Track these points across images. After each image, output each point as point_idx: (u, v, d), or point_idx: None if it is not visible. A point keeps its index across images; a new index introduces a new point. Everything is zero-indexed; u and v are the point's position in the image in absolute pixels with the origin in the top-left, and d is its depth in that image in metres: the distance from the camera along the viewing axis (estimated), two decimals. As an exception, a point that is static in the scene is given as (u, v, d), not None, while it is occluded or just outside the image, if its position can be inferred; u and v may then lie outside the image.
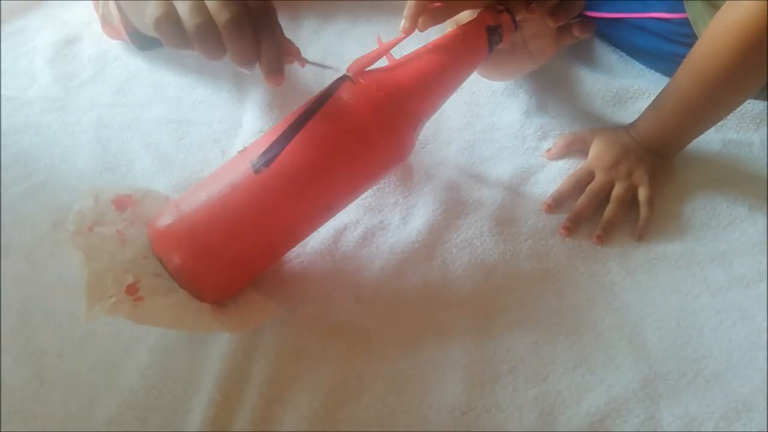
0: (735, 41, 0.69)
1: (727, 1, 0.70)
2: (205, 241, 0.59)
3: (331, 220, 0.72)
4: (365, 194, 0.75)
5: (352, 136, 0.60)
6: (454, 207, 0.76)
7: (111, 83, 0.87)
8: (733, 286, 0.71)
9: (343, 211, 0.73)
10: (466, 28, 0.64)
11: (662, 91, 0.78)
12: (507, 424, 0.60)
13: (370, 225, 0.73)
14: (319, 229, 0.72)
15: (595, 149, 0.80)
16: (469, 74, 0.67)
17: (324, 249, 0.71)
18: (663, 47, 0.88)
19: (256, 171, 0.58)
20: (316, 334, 0.65)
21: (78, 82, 0.86)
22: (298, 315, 0.66)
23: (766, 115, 0.87)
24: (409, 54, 0.64)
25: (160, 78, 0.88)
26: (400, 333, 0.66)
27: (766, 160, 0.82)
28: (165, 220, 0.60)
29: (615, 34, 0.96)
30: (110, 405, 0.59)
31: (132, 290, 0.58)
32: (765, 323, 0.68)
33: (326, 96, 0.60)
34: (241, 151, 0.62)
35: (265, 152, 0.59)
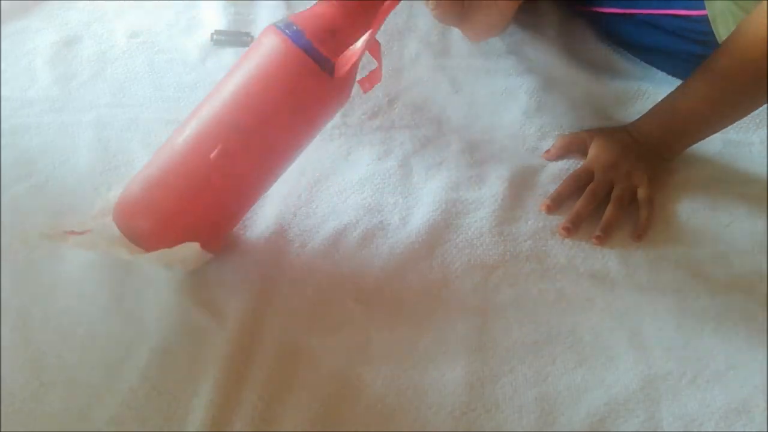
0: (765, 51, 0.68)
1: (758, 6, 0.69)
2: (158, 206, 0.64)
3: (331, 221, 0.73)
4: (364, 194, 0.76)
5: (277, 78, 0.63)
6: (454, 207, 0.76)
7: (111, 83, 0.87)
8: (733, 286, 0.71)
9: (343, 211, 0.74)
10: None
11: (674, 93, 0.77)
12: (507, 424, 0.60)
13: (370, 225, 0.73)
14: (319, 230, 0.72)
15: (594, 150, 0.80)
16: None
17: (324, 249, 0.71)
18: (676, 46, 0.87)
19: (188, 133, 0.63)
20: (316, 334, 0.65)
21: (78, 83, 0.86)
22: (298, 315, 0.66)
23: (766, 116, 0.87)
24: None
25: (159, 78, 0.88)
26: (400, 333, 0.66)
27: (766, 160, 0.82)
28: (125, 198, 0.65)
29: (624, 31, 0.95)
30: (110, 405, 0.59)
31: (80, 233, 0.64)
32: (765, 323, 0.68)
33: (253, 47, 0.64)
34: None
35: (194, 113, 0.65)
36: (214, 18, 0.95)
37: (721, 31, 0.79)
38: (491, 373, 0.63)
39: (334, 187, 0.77)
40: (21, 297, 0.65)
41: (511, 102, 0.89)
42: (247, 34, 0.93)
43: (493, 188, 0.78)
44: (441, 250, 0.72)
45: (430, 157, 0.81)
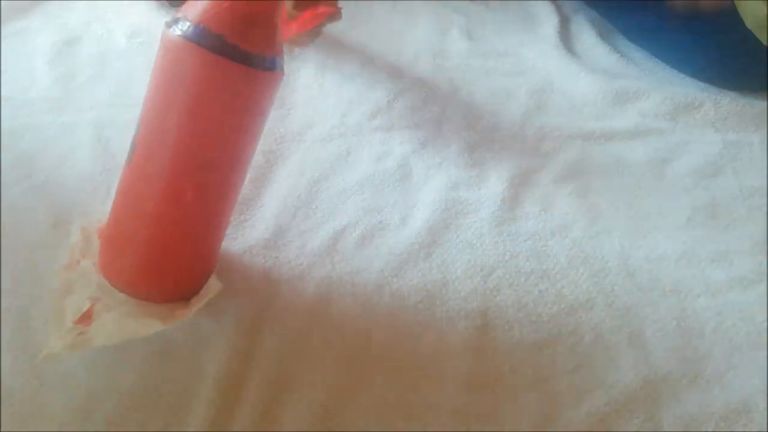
0: None
1: None
2: (122, 248, 0.61)
3: (330, 221, 0.73)
4: (364, 195, 0.76)
5: (177, 81, 0.55)
6: (454, 207, 0.76)
7: (111, 83, 0.87)
8: (733, 286, 0.71)
9: (342, 212, 0.73)
10: None
11: None
12: (507, 424, 0.60)
13: (370, 226, 0.73)
14: (318, 230, 0.72)
15: None
16: None
17: (323, 250, 0.71)
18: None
19: (128, 162, 0.58)
20: (315, 335, 0.65)
21: (78, 83, 0.86)
22: (298, 316, 0.66)
23: (765, 115, 0.87)
24: None
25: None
26: (400, 334, 0.66)
27: (766, 160, 0.82)
28: (101, 240, 0.62)
29: (626, 18, 0.96)
30: (110, 406, 0.59)
31: (86, 316, 0.58)
32: (765, 324, 0.67)
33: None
34: None
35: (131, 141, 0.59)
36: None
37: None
38: (491, 373, 0.63)
39: (334, 188, 0.77)
40: (21, 297, 0.65)
41: (511, 102, 0.89)
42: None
43: (492, 188, 0.78)
44: (441, 250, 0.72)
45: (430, 158, 0.81)
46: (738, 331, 0.67)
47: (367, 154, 0.81)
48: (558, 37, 0.97)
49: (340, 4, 0.84)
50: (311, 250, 0.71)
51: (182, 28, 0.53)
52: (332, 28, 0.93)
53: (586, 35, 1.00)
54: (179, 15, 0.54)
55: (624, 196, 0.79)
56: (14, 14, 0.94)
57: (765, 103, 0.87)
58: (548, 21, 1.00)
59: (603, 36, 1.00)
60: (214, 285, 0.63)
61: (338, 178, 0.78)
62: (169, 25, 0.54)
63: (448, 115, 0.86)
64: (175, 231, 0.60)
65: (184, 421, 0.58)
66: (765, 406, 0.62)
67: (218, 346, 0.62)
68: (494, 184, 0.79)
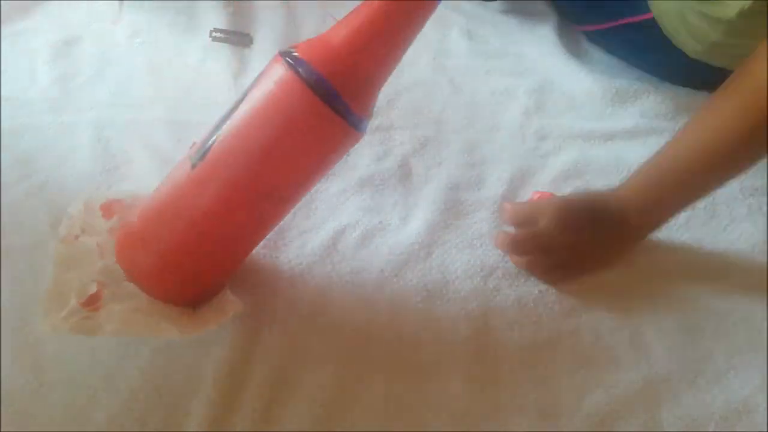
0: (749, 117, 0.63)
1: (760, 47, 0.63)
2: (155, 246, 0.59)
3: (330, 221, 0.73)
4: (364, 195, 0.76)
5: (281, 116, 0.56)
6: (454, 208, 0.76)
7: (111, 83, 0.87)
8: (732, 286, 0.71)
9: (342, 212, 0.73)
10: None
11: (661, 150, 0.71)
12: (508, 425, 0.60)
13: (370, 226, 0.73)
14: (318, 230, 0.72)
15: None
16: (419, 30, 0.56)
17: (323, 250, 0.71)
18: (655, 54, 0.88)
19: (193, 166, 0.57)
20: (315, 335, 0.65)
21: (78, 83, 0.86)
22: (298, 316, 0.66)
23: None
24: (347, 16, 0.56)
25: (159, 79, 0.88)
26: (400, 334, 0.66)
27: (765, 162, 0.82)
28: (125, 229, 0.61)
29: (612, 45, 0.97)
30: (110, 406, 0.59)
31: (93, 299, 0.58)
32: (765, 324, 0.68)
33: (258, 79, 0.58)
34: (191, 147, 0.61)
35: (198, 145, 0.58)
36: (213, 18, 0.95)
37: (667, 26, 0.79)
38: (492, 374, 0.63)
39: (334, 188, 0.77)
40: (21, 297, 0.65)
41: (511, 102, 0.89)
42: (247, 35, 0.93)
43: (492, 189, 0.78)
44: (440, 250, 0.72)
45: (430, 158, 0.81)
46: (738, 332, 0.67)
47: (367, 154, 0.81)
48: (558, 37, 0.97)
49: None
50: (311, 250, 0.71)
51: (303, 71, 0.54)
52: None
53: (585, 36, 1.00)
54: (299, 54, 0.55)
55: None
56: (14, 14, 0.94)
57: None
58: (548, 21, 1.00)
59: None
60: (235, 304, 0.62)
61: (338, 178, 0.78)
62: (287, 60, 0.55)
63: (448, 115, 0.86)
64: (213, 245, 0.61)
65: (184, 421, 0.58)
66: (765, 406, 0.62)
67: (218, 345, 0.62)
68: (494, 184, 0.79)
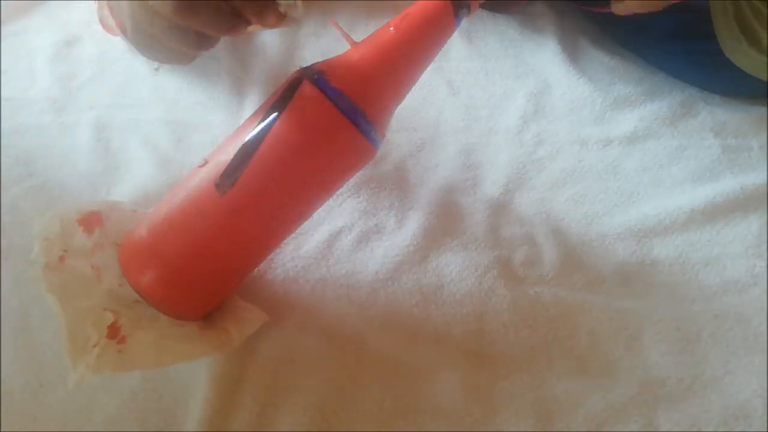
0: None
1: None
2: (176, 268, 0.57)
3: (325, 224, 0.73)
4: (360, 197, 0.76)
5: (314, 142, 0.56)
6: (450, 210, 0.76)
7: (111, 84, 0.87)
8: (727, 290, 0.71)
9: (338, 214, 0.73)
10: (429, 2, 0.59)
11: None
12: (504, 429, 0.60)
13: (365, 228, 0.73)
14: (314, 233, 0.72)
15: None
16: (437, 52, 0.61)
17: (318, 253, 0.71)
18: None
19: (222, 193, 0.55)
20: (310, 338, 0.65)
21: (78, 83, 0.86)
22: (293, 319, 0.66)
23: (765, 120, 0.87)
24: (368, 38, 0.58)
25: (159, 79, 0.88)
26: (396, 337, 0.66)
27: (765, 165, 0.82)
28: (134, 245, 0.58)
29: (622, 32, 0.96)
30: (110, 406, 0.59)
31: (114, 330, 0.54)
32: (763, 327, 0.68)
33: (284, 100, 0.56)
34: (202, 165, 0.58)
35: (227, 171, 0.55)
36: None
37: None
38: (488, 377, 0.63)
39: (331, 190, 0.77)
40: (21, 297, 0.65)
41: (509, 106, 0.89)
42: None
43: (489, 192, 0.78)
44: (436, 253, 0.72)
45: (427, 160, 0.81)
46: (735, 336, 0.67)
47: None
48: (557, 41, 0.97)
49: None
50: (306, 252, 0.71)
51: (343, 104, 0.55)
52: (330, 31, 0.94)
53: (585, 39, 1.00)
54: (324, 72, 0.56)
55: (621, 202, 0.79)
56: (14, 14, 0.94)
57: (764, 108, 0.87)
58: (547, 24, 1.01)
59: (602, 40, 1.00)
60: (260, 316, 0.62)
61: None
62: (322, 90, 0.55)
63: (445, 118, 0.87)
64: (238, 264, 0.61)
65: (182, 422, 0.59)
66: (763, 410, 0.62)
67: (217, 347, 0.63)
68: (490, 187, 0.79)
